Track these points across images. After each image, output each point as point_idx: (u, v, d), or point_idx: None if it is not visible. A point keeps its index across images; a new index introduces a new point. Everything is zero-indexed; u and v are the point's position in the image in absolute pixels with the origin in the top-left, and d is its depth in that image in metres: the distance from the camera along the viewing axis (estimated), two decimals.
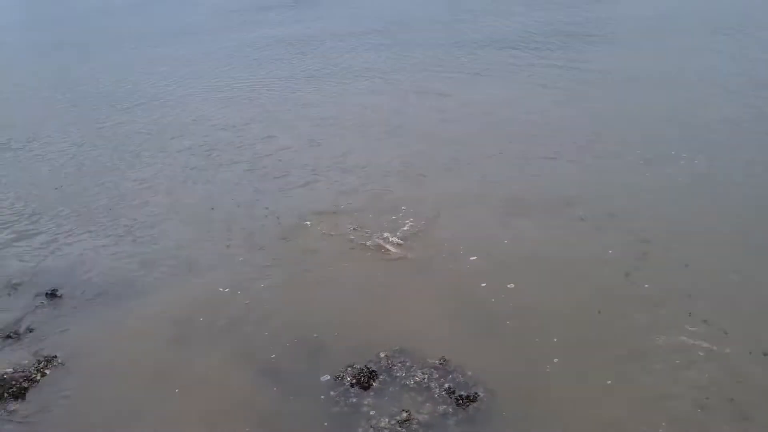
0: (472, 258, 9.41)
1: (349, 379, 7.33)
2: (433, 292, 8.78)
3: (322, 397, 7.19)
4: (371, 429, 6.69)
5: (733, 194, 10.50)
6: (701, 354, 7.13)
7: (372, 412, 6.92)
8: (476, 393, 6.96)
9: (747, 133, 12.74)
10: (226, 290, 9.21)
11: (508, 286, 8.61)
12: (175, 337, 8.37)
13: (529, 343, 7.59)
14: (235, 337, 8.28)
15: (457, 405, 6.86)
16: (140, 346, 8.28)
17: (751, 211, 9.98)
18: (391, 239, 10.00)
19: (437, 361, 7.46)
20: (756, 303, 7.87)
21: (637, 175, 11.46)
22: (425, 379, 7.25)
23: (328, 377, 7.41)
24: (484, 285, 8.73)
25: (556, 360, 7.24)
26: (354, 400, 7.09)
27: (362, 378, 7.29)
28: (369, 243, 10.03)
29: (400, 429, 6.66)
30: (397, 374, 7.36)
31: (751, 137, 12.55)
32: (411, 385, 7.20)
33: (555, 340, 7.57)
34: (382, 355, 7.62)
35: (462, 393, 6.98)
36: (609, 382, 6.91)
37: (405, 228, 10.34)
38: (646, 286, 8.32)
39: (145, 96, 20.30)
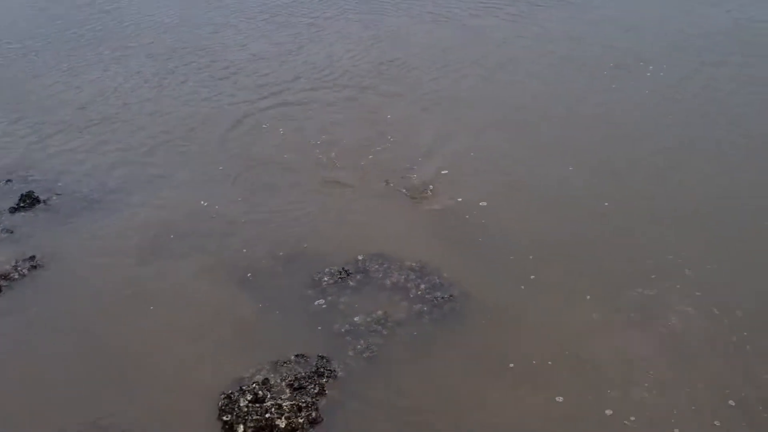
0: (443, 172, 9.32)
1: (326, 279, 7.40)
2: (409, 206, 8.72)
3: (300, 298, 7.25)
4: (347, 325, 6.82)
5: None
6: (668, 271, 7.30)
7: (348, 310, 7.02)
8: (451, 294, 7.08)
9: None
10: (204, 204, 9.03)
11: (481, 204, 8.56)
12: (151, 250, 8.25)
13: (505, 257, 7.65)
14: (211, 249, 8.21)
15: (433, 305, 6.97)
16: (115, 260, 8.14)
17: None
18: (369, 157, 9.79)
19: (414, 264, 7.54)
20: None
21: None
22: (402, 280, 7.34)
23: (306, 279, 7.46)
24: (460, 200, 8.67)
25: (532, 277, 7.31)
26: (331, 298, 7.19)
27: (339, 278, 7.35)
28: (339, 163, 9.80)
29: (375, 326, 6.79)
30: (375, 275, 7.45)
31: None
32: (388, 286, 7.31)
33: (531, 257, 7.61)
34: (360, 258, 7.68)
35: (438, 294, 7.08)
36: (588, 297, 7.00)
37: (379, 148, 10.09)
38: (615, 210, 8.31)
39: None
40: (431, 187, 8.92)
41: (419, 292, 7.15)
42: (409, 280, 7.33)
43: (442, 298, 7.00)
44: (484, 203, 8.53)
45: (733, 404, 5.73)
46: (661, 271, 7.17)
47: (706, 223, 7.87)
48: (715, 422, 5.60)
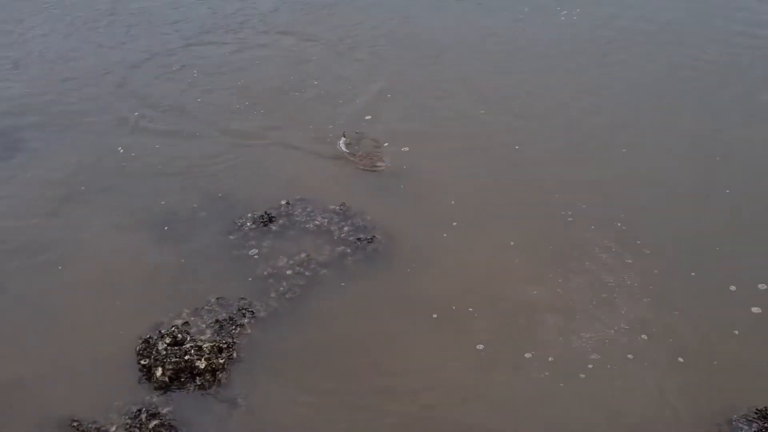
0: (367, 117, 9.27)
1: (249, 224, 7.29)
2: (332, 152, 8.63)
3: (222, 244, 7.13)
4: (270, 269, 6.76)
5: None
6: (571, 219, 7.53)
7: (271, 254, 6.95)
8: (374, 236, 7.09)
9: None
10: (121, 150, 8.69)
11: (403, 149, 8.58)
12: (62, 202, 7.89)
13: (427, 202, 7.70)
14: (126, 199, 7.91)
15: (356, 247, 6.98)
16: (26, 211, 7.79)
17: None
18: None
19: (338, 207, 7.51)
20: None
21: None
22: (325, 223, 7.31)
23: (228, 226, 7.33)
24: (386, 145, 8.64)
25: (455, 223, 7.37)
26: (253, 242, 7.10)
27: (262, 223, 7.26)
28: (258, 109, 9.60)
29: (298, 268, 6.76)
30: (298, 219, 7.39)
31: None
32: (311, 228, 7.27)
33: (452, 202, 7.68)
34: (283, 202, 7.59)
35: (361, 236, 7.09)
36: (512, 243, 7.12)
37: (297, 94, 9.92)
38: (533, 154, 8.47)
39: None
40: (357, 132, 8.83)
41: (342, 235, 7.15)
42: (332, 223, 7.31)
43: (365, 239, 7.02)
44: (406, 148, 8.52)
45: (646, 338, 5.99)
46: (578, 215, 7.36)
47: (621, 164, 8.10)
48: (629, 355, 5.85)
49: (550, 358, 5.85)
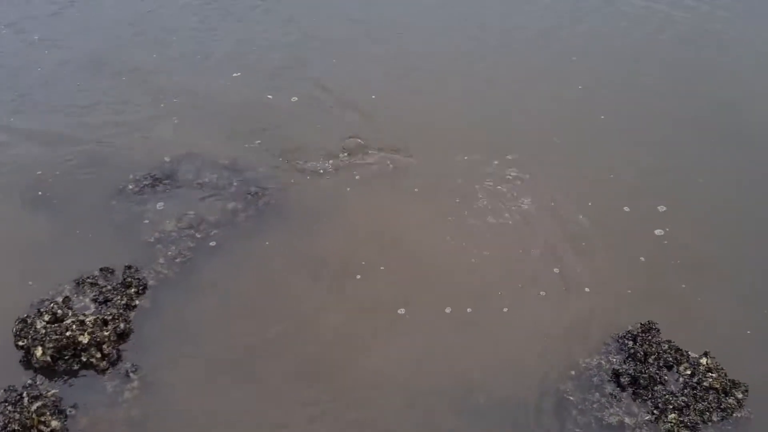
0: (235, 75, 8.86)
1: (131, 187, 6.87)
2: (217, 101, 8.25)
3: (103, 210, 6.70)
4: (157, 233, 6.42)
5: None
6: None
7: (158, 217, 6.60)
8: (266, 188, 6.85)
9: None
10: None
11: (293, 99, 8.28)
12: None
13: (321, 150, 7.51)
14: None
15: (248, 201, 6.73)
16: None
17: None
18: None
19: (227, 161, 7.20)
20: None
21: None
22: (215, 179, 7.00)
23: (109, 191, 6.88)
24: (270, 97, 8.32)
25: (356, 174, 7.21)
26: (137, 207, 6.71)
27: (146, 185, 6.86)
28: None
29: (188, 230, 6.47)
30: (185, 177, 7.04)
31: None
32: (199, 186, 6.93)
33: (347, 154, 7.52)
34: (167, 159, 7.18)
35: (253, 189, 6.83)
36: (415, 190, 7.04)
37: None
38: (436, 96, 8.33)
39: None
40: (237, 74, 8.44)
41: (233, 190, 6.86)
42: (222, 178, 7.00)
43: (257, 193, 6.77)
44: (296, 98, 8.22)
45: (557, 271, 6.11)
46: (473, 157, 7.35)
47: (502, 104, 8.13)
48: (541, 293, 5.97)
49: (468, 309, 5.84)
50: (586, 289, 5.96)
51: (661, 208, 6.69)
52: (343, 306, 5.87)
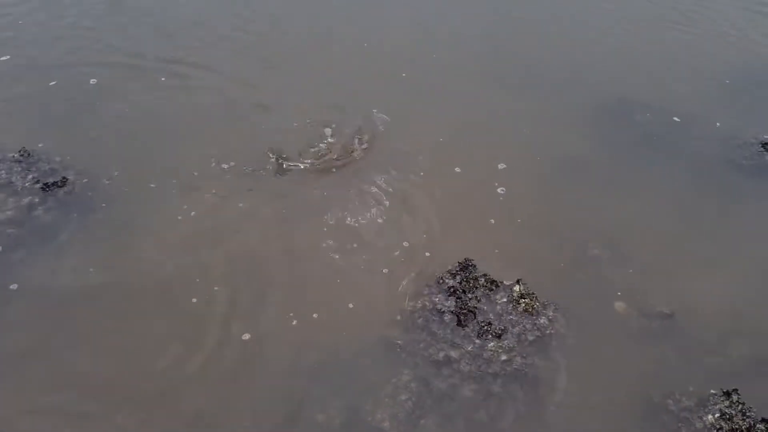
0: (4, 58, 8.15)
1: None
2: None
3: None
4: None
5: None
6: None
7: None
8: (65, 177, 6.30)
9: None
10: None
11: (91, 81, 7.71)
12: None
13: (121, 132, 7.09)
14: None
15: (45, 193, 6.15)
16: None
17: None
18: None
19: (17, 154, 6.52)
20: None
21: None
22: (3, 174, 6.31)
23: None
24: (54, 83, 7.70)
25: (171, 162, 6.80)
26: None
27: None
28: None
29: None
30: None
31: None
32: None
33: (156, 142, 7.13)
34: None
35: (49, 180, 6.26)
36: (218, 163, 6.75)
37: None
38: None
39: None
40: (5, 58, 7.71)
41: (27, 184, 6.24)
42: (13, 173, 6.34)
43: (55, 184, 6.21)
44: (94, 81, 7.66)
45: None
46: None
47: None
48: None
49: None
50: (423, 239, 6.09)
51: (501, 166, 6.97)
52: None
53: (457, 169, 6.88)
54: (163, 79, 7.85)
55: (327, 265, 5.81)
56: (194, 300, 5.41)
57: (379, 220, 6.26)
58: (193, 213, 6.17)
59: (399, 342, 5.22)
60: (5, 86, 7.53)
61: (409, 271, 5.79)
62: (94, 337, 5.13)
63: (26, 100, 7.35)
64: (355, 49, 8.61)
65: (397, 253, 5.95)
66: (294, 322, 5.32)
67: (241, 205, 6.29)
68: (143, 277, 5.59)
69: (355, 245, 5.99)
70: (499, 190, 6.67)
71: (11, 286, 5.43)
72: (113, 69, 7.95)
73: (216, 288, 5.52)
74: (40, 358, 4.98)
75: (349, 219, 6.23)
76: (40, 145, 6.70)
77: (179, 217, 6.14)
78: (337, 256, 5.88)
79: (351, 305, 5.49)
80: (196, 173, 6.58)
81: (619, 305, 5.60)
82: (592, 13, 10.04)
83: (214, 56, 8.23)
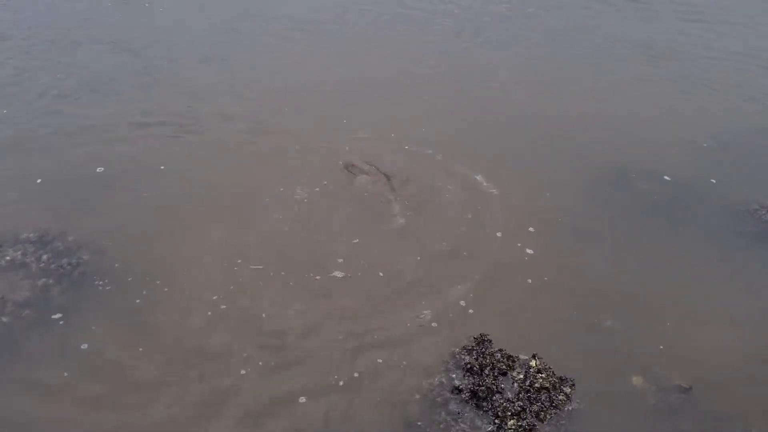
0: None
1: None
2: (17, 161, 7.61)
3: None
4: None
5: None
6: None
7: None
8: (80, 258, 6.36)
9: None
10: None
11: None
12: None
13: (139, 207, 7.16)
14: None
15: (60, 274, 6.20)
16: None
17: None
18: None
19: (32, 235, 6.59)
20: None
21: None
22: (19, 256, 6.36)
23: None
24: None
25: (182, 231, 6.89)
26: None
27: None
28: None
29: None
30: None
31: None
32: (2, 266, 6.26)
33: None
34: None
35: (64, 261, 6.31)
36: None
37: None
38: None
39: None
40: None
41: (42, 265, 6.29)
42: (27, 254, 6.39)
43: (69, 264, 6.25)
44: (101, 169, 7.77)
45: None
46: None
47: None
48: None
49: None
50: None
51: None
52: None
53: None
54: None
55: None
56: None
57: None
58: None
59: (419, 423, 5.20)
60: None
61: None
62: None
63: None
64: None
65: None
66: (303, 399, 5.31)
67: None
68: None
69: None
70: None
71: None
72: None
73: (242, 372, 5.52)
74: None
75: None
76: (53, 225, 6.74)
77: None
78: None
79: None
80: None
81: (636, 379, 5.61)
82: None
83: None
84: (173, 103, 9.07)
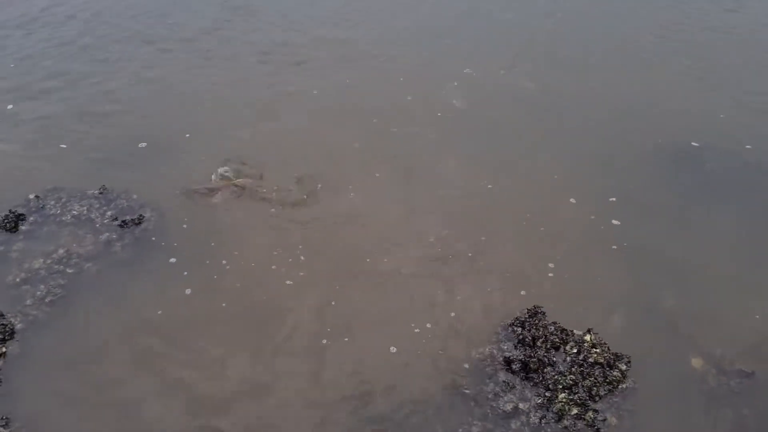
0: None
1: None
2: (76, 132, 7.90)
3: None
4: (23, 273, 5.95)
5: None
6: None
7: (23, 257, 6.13)
8: (141, 215, 6.53)
9: None
10: None
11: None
12: None
13: (194, 168, 7.30)
14: None
15: (122, 230, 6.38)
16: None
17: None
18: None
19: (97, 191, 6.80)
20: None
21: None
22: (84, 211, 6.59)
23: None
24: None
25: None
26: (1, 248, 6.21)
27: (8, 223, 6.36)
28: None
29: (57, 267, 6.03)
30: (51, 212, 6.58)
31: None
32: (68, 221, 6.51)
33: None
34: (32, 196, 6.71)
35: (127, 218, 6.49)
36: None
37: None
38: None
39: None
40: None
41: (106, 221, 6.49)
42: (92, 210, 6.61)
43: (132, 221, 6.43)
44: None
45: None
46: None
47: None
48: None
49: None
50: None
51: None
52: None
53: (528, 214, 6.84)
54: None
55: None
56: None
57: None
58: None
59: (467, 391, 5.15)
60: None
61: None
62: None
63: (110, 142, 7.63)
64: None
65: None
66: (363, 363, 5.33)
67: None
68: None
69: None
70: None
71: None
72: None
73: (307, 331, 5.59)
74: None
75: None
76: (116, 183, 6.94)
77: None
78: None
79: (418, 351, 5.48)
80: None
81: (696, 361, 5.40)
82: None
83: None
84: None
